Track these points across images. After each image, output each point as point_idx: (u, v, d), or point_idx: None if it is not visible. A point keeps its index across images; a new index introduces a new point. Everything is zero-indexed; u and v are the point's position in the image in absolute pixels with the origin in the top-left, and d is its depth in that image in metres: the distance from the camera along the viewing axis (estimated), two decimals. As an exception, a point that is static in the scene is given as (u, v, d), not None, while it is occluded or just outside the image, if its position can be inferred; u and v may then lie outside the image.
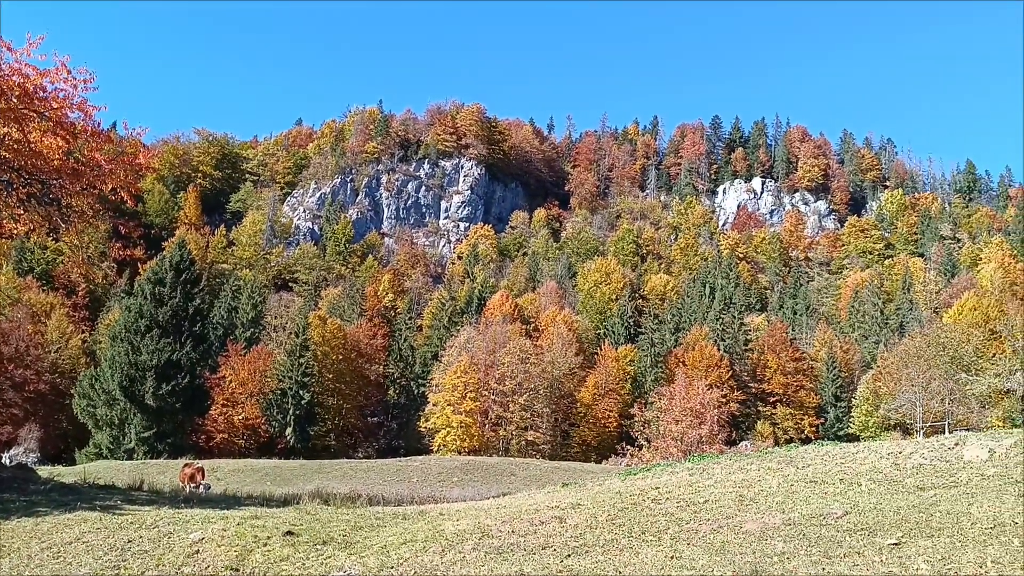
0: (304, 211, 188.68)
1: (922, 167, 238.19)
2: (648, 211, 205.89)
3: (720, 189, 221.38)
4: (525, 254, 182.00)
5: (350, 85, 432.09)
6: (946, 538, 11.71)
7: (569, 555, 12.14)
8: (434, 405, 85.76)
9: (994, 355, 68.81)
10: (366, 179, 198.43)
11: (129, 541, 14.43)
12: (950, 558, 10.61)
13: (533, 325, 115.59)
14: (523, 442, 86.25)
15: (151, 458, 57.62)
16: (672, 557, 11.59)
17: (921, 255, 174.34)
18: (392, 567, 11.82)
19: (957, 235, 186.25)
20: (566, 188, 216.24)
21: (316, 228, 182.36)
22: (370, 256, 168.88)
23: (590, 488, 20.51)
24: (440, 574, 11.30)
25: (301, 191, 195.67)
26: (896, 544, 11.59)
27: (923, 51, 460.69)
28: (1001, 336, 74.60)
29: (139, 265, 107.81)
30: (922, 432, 63.88)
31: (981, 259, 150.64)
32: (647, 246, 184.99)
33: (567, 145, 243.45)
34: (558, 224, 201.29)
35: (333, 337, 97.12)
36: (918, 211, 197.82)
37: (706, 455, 28.02)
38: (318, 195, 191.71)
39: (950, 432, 54.24)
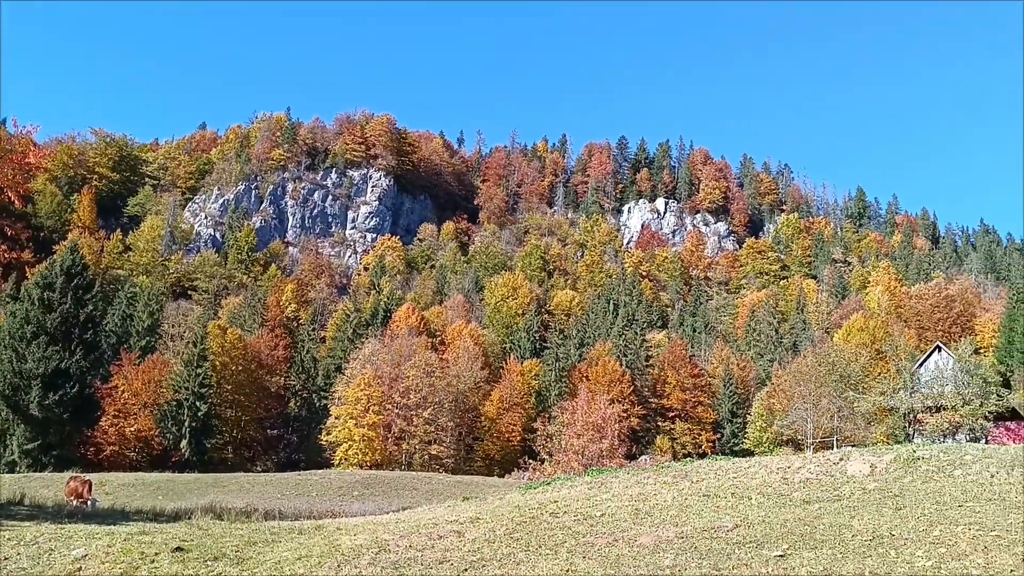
0: (206, 217, 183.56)
1: (817, 192, 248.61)
2: (555, 228, 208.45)
3: (625, 208, 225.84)
4: (433, 267, 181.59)
5: (258, 91, 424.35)
6: (828, 550, 12.20)
7: (466, 569, 12.15)
8: (336, 418, 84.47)
9: (879, 374, 71.66)
10: (271, 187, 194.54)
11: (5, 559, 13.74)
12: (831, 569, 11.06)
13: (439, 338, 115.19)
14: (426, 456, 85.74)
15: (35, 471, 54.94)
16: (568, 571, 11.73)
17: (814, 277, 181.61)
18: (286, 583, 11.59)
19: (848, 259, 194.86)
20: (475, 202, 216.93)
21: (218, 235, 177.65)
22: (273, 265, 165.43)
23: (490, 502, 20.57)
24: (335, 590, 11.12)
25: (203, 197, 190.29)
26: (782, 556, 12.00)
27: (820, 81, 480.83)
28: (886, 356, 77.88)
29: (27, 269, 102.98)
30: (812, 447, 66.25)
31: (869, 282, 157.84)
32: (554, 262, 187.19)
33: (477, 159, 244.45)
34: (466, 238, 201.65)
35: (233, 347, 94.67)
36: (812, 235, 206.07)
37: (605, 469, 28.46)
38: (221, 201, 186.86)
39: (838, 447, 56.42)
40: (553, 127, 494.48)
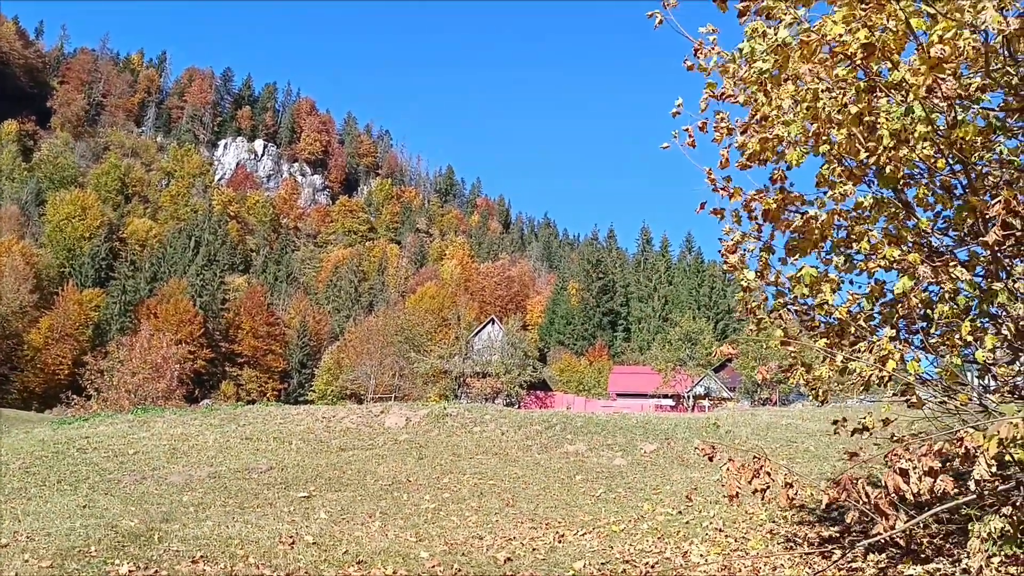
0: None
1: (412, 163, 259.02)
2: (141, 150, 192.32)
3: (222, 143, 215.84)
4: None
5: None
6: (351, 492, 13.32)
7: (-37, 505, 11.21)
8: None
9: (441, 339, 77.85)
10: None
11: None
12: (348, 509, 12.11)
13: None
14: (-54, 384, 75.87)
15: None
16: (85, 506, 11.38)
17: (399, 243, 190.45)
18: None
19: (431, 230, 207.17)
20: (48, 104, 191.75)
21: None
22: None
23: (13, 436, 18.98)
24: None
25: None
26: (307, 496, 12.86)
27: (434, 55, 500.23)
28: (450, 324, 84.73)
29: None
30: (372, 402, 69.91)
31: (446, 255, 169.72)
32: (134, 187, 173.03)
33: (57, 57, 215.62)
34: (32, 142, 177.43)
35: None
36: (402, 202, 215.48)
37: (153, 408, 27.56)
38: None
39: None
40: (153, 42, 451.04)
